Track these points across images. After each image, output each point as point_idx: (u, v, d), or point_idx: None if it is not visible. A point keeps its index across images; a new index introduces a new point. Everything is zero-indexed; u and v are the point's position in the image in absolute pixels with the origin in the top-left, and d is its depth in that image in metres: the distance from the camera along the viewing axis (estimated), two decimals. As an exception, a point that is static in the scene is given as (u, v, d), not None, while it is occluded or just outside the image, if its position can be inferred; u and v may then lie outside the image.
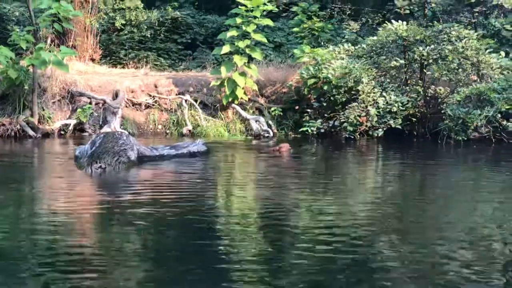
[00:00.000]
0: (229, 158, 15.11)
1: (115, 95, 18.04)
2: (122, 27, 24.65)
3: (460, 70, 17.48)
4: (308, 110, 18.13)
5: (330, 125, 17.61)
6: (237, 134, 18.11)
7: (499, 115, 16.38)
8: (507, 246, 7.80)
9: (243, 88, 18.23)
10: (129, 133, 15.06)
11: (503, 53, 17.86)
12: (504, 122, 16.38)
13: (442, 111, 16.87)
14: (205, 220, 8.89)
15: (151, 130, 18.38)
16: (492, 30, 21.83)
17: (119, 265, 7.00)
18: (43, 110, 17.50)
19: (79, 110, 17.63)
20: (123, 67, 22.25)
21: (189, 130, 18.10)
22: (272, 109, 18.74)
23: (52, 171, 13.01)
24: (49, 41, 19.57)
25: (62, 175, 12.27)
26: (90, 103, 17.88)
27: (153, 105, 18.70)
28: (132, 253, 7.39)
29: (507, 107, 16.26)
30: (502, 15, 22.86)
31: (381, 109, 17.03)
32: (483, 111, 16.29)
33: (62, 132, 17.47)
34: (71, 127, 17.56)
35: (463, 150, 16.04)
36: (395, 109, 17.03)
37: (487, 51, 17.49)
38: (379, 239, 8.05)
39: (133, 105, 18.67)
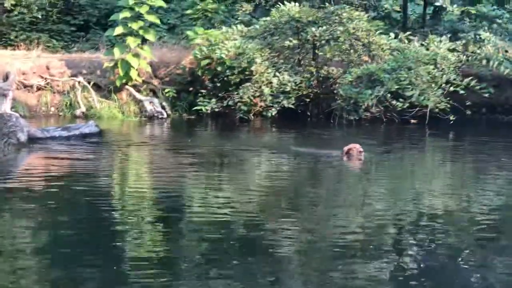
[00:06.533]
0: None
1: (6, 77, 17.59)
2: (12, 8, 24.06)
3: (352, 51, 17.78)
4: (202, 91, 18.12)
5: (224, 105, 17.63)
6: (131, 116, 17.95)
7: (389, 95, 16.73)
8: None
9: (136, 70, 18.09)
10: (20, 115, 14.77)
11: (392, 35, 18.21)
12: (394, 102, 16.74)
13: (335, 91, 17.15)
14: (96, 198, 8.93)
15: (43, 113, 18.05)
16: (382, 12, 22.28)
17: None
18: None
19: (-33, 92, 17.17)
20: (14, 49, 21.72)
21: (83, 112, 17.84)
22: (166, 90, 18.63)
23: None
24: None
25: None
26: (-21, 85, 17.43)
27: (45, 87, 18.37)
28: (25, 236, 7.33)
29: (397, 87, 16.61)
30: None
31: (274, 89, 17.12)
32: (374, 91, 16.61)
33: (-50, 115, 16.99)
34: (-41, 110, 17.09)
35: (355, 130, 16.38)
36: (288, 88, 17.15)
37: (378, 32, 17.82)
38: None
39: (24, 87, 18.30)
